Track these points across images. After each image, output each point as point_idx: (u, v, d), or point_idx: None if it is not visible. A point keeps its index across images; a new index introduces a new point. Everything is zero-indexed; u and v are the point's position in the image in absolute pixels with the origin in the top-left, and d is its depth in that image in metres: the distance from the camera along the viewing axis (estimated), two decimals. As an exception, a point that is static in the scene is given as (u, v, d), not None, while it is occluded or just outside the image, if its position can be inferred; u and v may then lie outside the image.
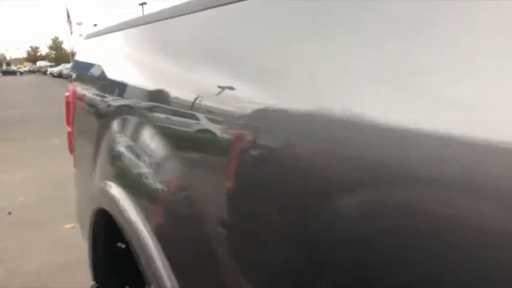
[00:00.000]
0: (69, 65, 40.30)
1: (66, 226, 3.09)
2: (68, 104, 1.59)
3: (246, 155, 0.57)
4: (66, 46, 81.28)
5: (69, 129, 1.60)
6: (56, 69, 41.90)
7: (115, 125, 1.08)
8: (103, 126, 1.16)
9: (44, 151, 5.76)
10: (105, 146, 1.12)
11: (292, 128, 0.50)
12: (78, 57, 1.70)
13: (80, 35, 68.10)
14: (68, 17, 53.80)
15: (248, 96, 0.59)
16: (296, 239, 0.48)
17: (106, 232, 1.10)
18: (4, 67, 69.83)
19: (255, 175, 0.55)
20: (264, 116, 0.54)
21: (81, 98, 1.44)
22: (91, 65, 1.44)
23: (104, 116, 1.19)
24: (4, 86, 25.55)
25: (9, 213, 3.40)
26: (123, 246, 1.13)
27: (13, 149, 6.00)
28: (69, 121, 1.57)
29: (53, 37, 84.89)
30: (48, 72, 45.56)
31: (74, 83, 1.56)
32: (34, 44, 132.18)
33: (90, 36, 1.56)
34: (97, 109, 1.27)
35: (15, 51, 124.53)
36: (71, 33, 56.70)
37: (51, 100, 14.21)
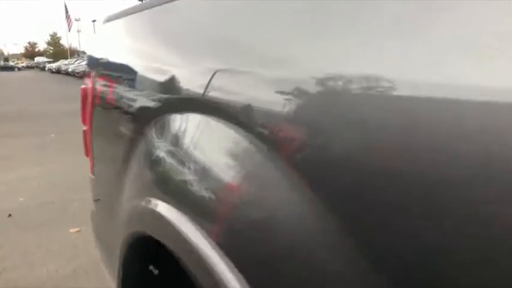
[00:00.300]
0: (67, 61, 40.38)
1: (71, 230, 2.87)
2: (84, 98, 1.31)
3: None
4: (65, 42, 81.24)
5: (85, 127, 1.32)
6: (54, 65, 42.00)
7: (158, 126, 0.83)
8: (139, 127, 0.91)
9: (43, 148, 5.58)
10: (143, 152, 0.87)
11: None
12: (95, 45, 1.40)
13: (78, 31, 68.48)
14: (66, 12, 53.51)
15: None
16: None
17: (142, 261, 0.86)
18: (2, 63, 69.46)
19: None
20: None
21: (104, 92, 1.17)
22: (116, 53, 1.17)
23: (140, 115, 0.93)
24: (2, 81, 25.25)
25: (9, 215, 3.17)
26: (156, 271, 0.90)
27: (12, 145, 5.77)
28: (86, 118, 1.29)
29: (51, 33, 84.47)
30: (46, 68, 45.58)
31: (93, 75, 1.27)
32: (32, 40, 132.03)
33: (110, 18, 1.27)
34: (129, 105, 1.00)
35: (13, 46, 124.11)
36: (69, 29, 56.46)
37: (51, 96, 14.04)
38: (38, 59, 73.94)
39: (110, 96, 1.10)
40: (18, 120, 8.22)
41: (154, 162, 0.81)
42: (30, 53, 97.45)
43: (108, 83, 1.15)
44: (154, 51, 0.96)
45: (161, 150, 0.79)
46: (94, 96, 1.21)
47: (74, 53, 72.53)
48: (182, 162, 0.70)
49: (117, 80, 1.09)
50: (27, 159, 4.99)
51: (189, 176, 0.68)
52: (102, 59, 1.25)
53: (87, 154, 1.33)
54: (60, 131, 6.71)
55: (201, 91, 0.67)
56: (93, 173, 1.29)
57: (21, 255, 2.54)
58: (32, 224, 3.01)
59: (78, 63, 32.04)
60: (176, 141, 0.74)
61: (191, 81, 0.72)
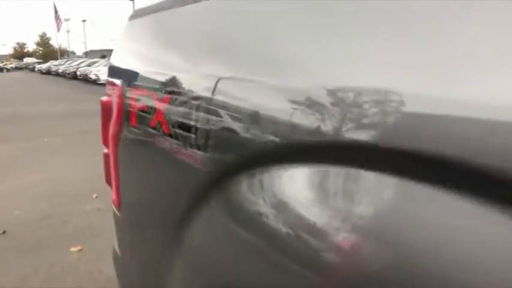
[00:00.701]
0: (57, 62, 39.79)
1: (73, 249, 2.60)
2: (106, 114, 0.99)
3: None
4: (54, 42, 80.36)
5: (107, 150, 1.01)
6: (44, 66, 41.47)
7: (255, 180, 0.51)
8: (215, 176, 0.58)
9: (36, 153, 5.29)
10: (223, 216, 0.57)
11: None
12: (122, 48, 1.07)
13: (68, 31, 68.12)
14: (56, 12, 52.82)
15: None
16: None
17: None
18: (-10, 64, 68.33)
19: None
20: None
21: (143, 110, 0.83)
22: (164, 59, 0.84)
23: (220, 157, 0.58)
24: (-9, 82, 24.72)
25: (4, 232, 2.88)
26: None
27: (3, 150, 5.45)
28: (108, 140, 0.98)
29: (40, 33, 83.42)
30: (36, 69, 44.98)
31: (122, 85, 0.94)
32: (21, 40, 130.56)
33: (144, 12, 0.94)
34: (199, 139, 0.62)
35: (1, 47, 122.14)
36: (59, 29, 55.68)
37: (42, 97, 13.70)
38: (27, 60, 73.03)
39: (155, 118, 0.76)
40: (9, 123, 7.89)
41: (247, 235, 0.50)
42: (19, 53, 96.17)
43: (150, 100, 0.79)
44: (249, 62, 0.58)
45: (261, 218, 0.49)
46: (125, 113, 0.92)
47: (63, 54, 71.78)
48: (300, 237, 0.44)
49: (170, 98, 0.72)
50: (20, 165, 4.69)
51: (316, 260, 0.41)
52: (136, 65, 0.95)
53: (108, 182, 1.05)
54: (53, 134, 6.43)
55: (340, 133, 0.41)
56: (119, 208, 1.00)
57: (18, 282, 2.26)
58: (29, 242, 2.72)
59: (69, 63, 31.62)
60: (289, 207, 0.45)
61: (324, 118, 0.44)
